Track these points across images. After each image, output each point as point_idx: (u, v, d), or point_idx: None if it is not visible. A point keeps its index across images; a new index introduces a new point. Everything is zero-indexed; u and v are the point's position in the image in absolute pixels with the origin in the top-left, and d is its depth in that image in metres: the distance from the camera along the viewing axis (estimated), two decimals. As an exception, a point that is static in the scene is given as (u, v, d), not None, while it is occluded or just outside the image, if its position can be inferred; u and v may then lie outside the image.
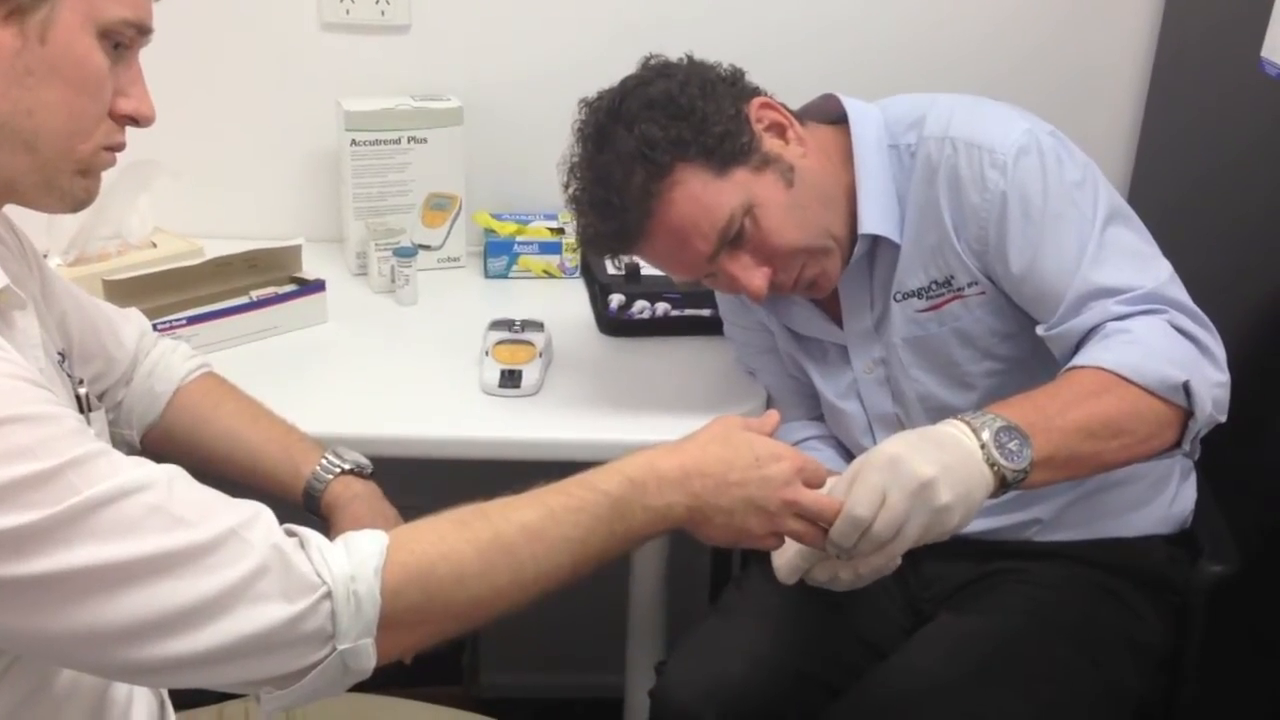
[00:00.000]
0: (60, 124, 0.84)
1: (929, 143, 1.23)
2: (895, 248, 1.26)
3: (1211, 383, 1.10)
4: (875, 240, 1.27)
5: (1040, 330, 1.19)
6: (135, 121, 0.89)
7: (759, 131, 1.22)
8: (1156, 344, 1.10)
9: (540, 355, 1.49)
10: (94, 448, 0.77)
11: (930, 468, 0.97)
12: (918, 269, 1.26)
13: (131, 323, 1.23)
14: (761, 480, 0.96)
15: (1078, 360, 1.11)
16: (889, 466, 0.98)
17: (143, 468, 0.79)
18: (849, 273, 1.29)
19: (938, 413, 1.23)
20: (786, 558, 1.08)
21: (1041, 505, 1.31)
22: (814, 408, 1.45)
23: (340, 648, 0.80)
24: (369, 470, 1.22)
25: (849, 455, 1.39)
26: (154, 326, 1.43)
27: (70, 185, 0.88)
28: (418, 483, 1.91)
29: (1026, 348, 1.25)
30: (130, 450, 1.23)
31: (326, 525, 1.20)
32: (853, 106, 1.29)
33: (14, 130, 0.83)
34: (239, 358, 1.49)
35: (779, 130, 1.24)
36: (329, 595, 0.80)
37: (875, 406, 1.35)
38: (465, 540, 0.86)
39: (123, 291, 1.44)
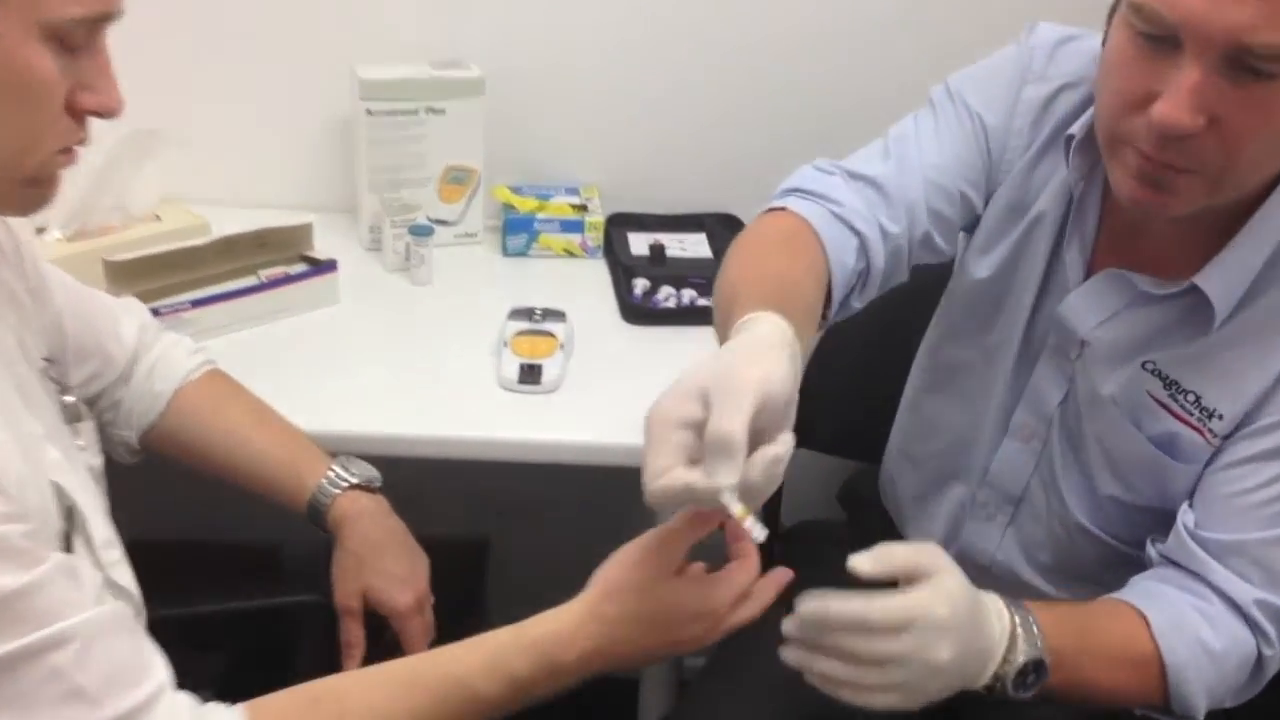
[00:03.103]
0: (3, 142, 0.76)
1: None
2: (1208, 314, 1.03)
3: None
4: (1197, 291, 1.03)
5: (1159, 549, 1.08)
6: (100, 115, 0.81)
7: None
8: (1226, 675, 1.03)
9: (561, 348, 1.42)
10: (25, 582, 0.72)
11: (947, 652, 0.88)
12: (1205, 366, 1.05)
13: (132, 315, 1.16)
14: (680, 642, 0.90)
15: (1163, 617, 1.01)
16: (928, 618, 0.88)
17: (72, 609, 0.74)
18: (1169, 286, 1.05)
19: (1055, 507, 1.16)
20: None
21: None
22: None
23: None
24: (378, 484, 1.16)
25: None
26: (156, 310, 1.37)
27: (20, 197, 0.81)
28: (431, 481, 1.86)
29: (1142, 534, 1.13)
30: (128, 451, 1.16)
31: (333, 540, 1.14)
32: None
33: None
34: (246, 342, 1.43)
35: None
36: None
37: (1035, 401, 1.16)
38: None
39: (125, 273, 1.37)
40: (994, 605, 0.95)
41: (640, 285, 1.60)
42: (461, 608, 1.93)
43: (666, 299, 1.58)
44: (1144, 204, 0.97)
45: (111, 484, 1.80)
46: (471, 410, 1.35)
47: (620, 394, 1.40)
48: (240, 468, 1.15)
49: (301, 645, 1.79)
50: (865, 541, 1.38)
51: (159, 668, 0.80)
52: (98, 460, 1.01)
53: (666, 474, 0.79)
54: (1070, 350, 1.13)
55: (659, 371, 1.47)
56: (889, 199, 1.11)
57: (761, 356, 0.82)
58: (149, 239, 1.49)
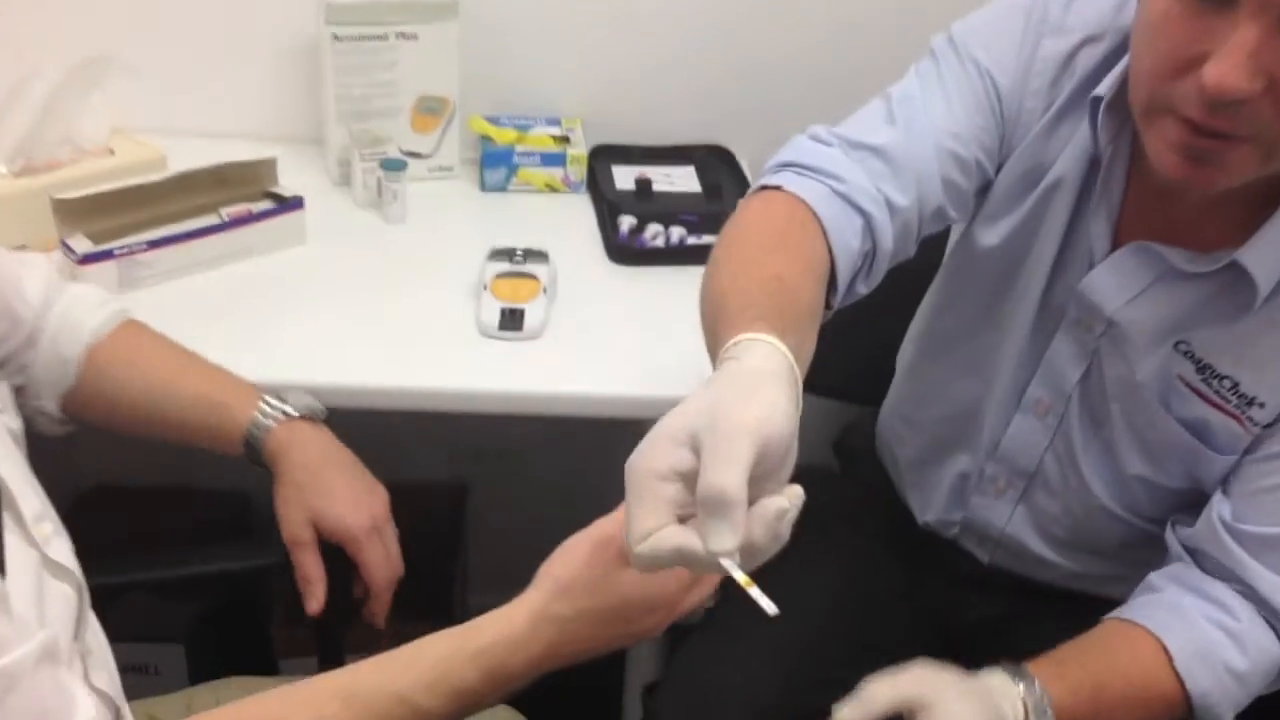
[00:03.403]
0: None
1: None
2: (1250, 293, 0.96)
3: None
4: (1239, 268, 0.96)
5: (1180, 534, 1.04)
6: None
7: None
8: (1253, 689, 0.99)
9: (544, 291, 1.34)
10: None
11: None
12: (1244, 350, 0.98)
13: (35, 270, 1.06)
14: (633, 635, 0.84)
15: (1185, 646, 0.98)
16: None
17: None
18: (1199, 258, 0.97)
19: (1079, 492, 1.10)
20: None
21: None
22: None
23: None
24: (322, 415, 1.09)
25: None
26: (110, 252, 1.28)
27: None
28: (409, 426, 1.78)
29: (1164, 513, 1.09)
30: (53, 422, 1.07)
31: (271, 477, 1.07)
32: None
33: None
34: (205, 286, 1.34)
35: None
36: None
37: (1052, 376, 1.09)
38: None
39: (75, 211, 1.28)
40: (1007, 701, 0.91)
41: (626, 223, 1.51)
42: (441, 554, 1.88)
43: (654, 237, 1.49)
44: (1186, 180, 0.89)
45: (80, 428, 1.73)
46: (449, 359, 1.27)
47: (607, 340, 1.33)
48: (170, 418, 1.06)
49: (271, 600, 1.73)
50: (859, 498, 1.34)
51: (83, 708, 0.72)
52: (16, 423, 0.93)
53: (655, 535, 0.69)
54: (1094, 326, 1.05)
55: (647, 315, 1.42)
56: (897, 170, 1.00)
57: (758, 392, 0.71)
58: (100, 175, 1.39)
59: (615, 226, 1.51)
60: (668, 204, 1.56)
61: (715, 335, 0.83)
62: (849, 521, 1.30)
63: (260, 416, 1.05)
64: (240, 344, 1.24)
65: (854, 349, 1.45)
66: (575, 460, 1.91)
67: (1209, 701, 0.97)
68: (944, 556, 1.24)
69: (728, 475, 0.66)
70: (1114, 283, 1.02)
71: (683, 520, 0.70)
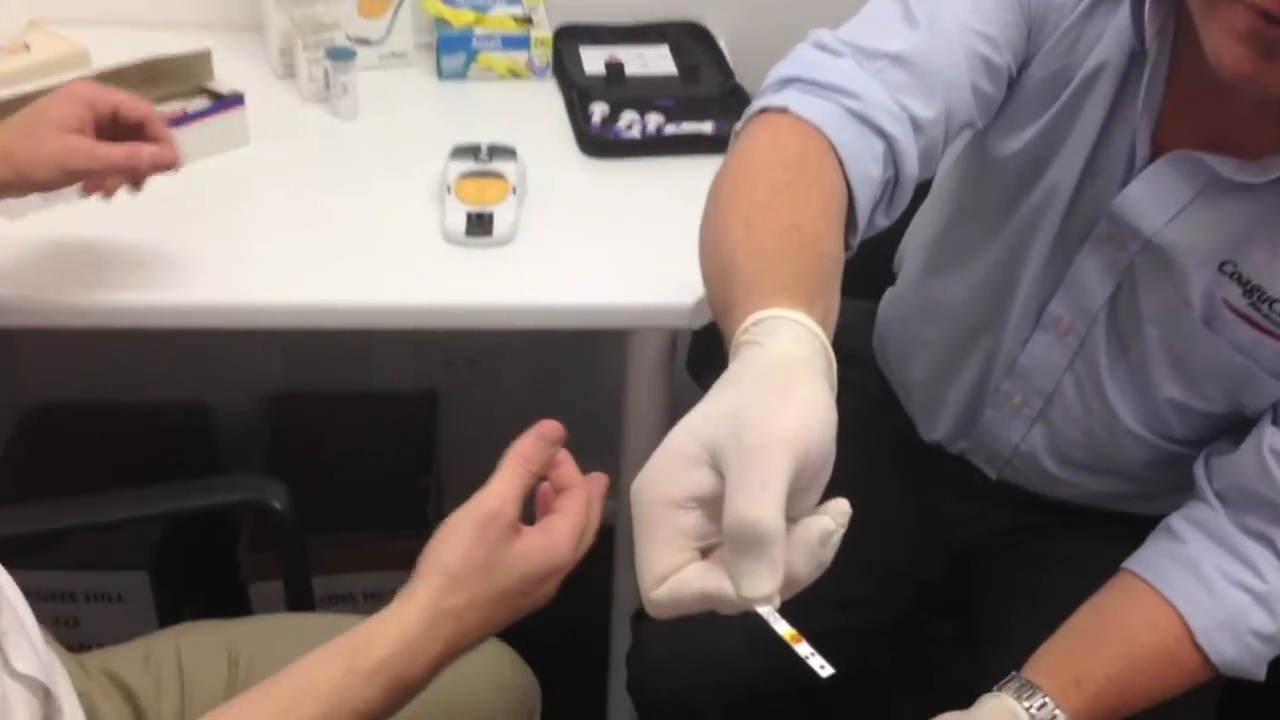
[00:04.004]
0: None
1: None
2: None
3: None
4: None
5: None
6: None
7: None
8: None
9: (513, 192, 1.23)
10: None
11: None
12: None
13: None
14: (530, 606, 0.75)
15: (1205, 617, 0.91)
16: None
17: None
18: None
19: (1105, 418, 1.02)
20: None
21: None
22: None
23: None
24: None
25: None
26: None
27: None
28: (375, 333, 1.68)
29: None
30: None
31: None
32: None
33: None
34: (141, 195, 1.21)
35: None
36: None
37: (1076, 294, 0.99)
38: None
39: (-14, 117, 1.15)
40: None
41: (598, 111, 1.39)
42: (412, 466, 1.80)
43: (629, 127, 1.38)
44: (1249, 78, 0.77)
45: (21, 345, 1.62)
46: (412, 270, 1.17)
47: (582, 243, 1.23)
48: None
49: (238, 524, 1.65)
50: (858, 409, 1.26)
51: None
52: None
53: (675, 579, 0.58)
54: (1127, 244, 0.94)
55: (625, 215, 1.31)
56: (920, 80, 0.86)
57: (791, 391, 0.59)
58: (16, 74, 1.27)
59: (586, 116, 1.39)
60: (642, 89, 1.45)
61: (726, 305, 0.71)
62: (850, 436, 1.22)
63: None
64: (181, 262, 1.13)
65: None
66: (550, 367, 1.82)
67: (1236, 667, 0.92)
68: (947, 470, 1.16)
69: (762, 506, 0.55)
70: (1152, 199, 0.91)
71: (705, 553, 0.59)
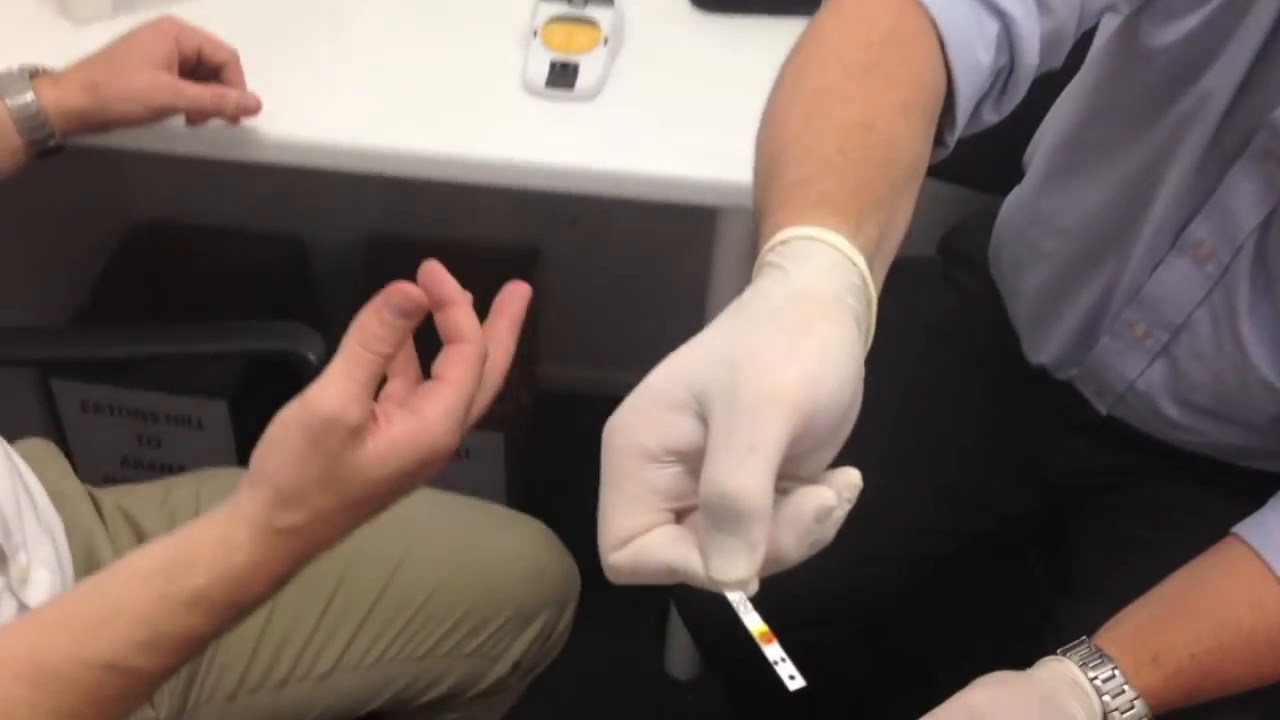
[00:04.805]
0: None
1: None
2: None
3: None
4: None
5: None
6: None
7: None
8: None
9: (605, 42, 1.11)
10: None
11: None
12: None
13: None
14: (409, 490, 0.62)
15: None
16: None
17: None
18: None
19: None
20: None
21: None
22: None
23: None
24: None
25: None
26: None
27: None
28: (471, 204, 1.59)
29: None
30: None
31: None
32: None
33: None
34: (205, 15, 1.13)
35: None
36: None
37: (1222, 215, 0.85)
38: None
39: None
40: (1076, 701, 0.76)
41: (720, -43, 1.25)
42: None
43: (753, -23, 1.24)
44: None
45: (128, 164, 1.61)
46: (482, 120, 1.08)
47: (675, 107, 1.11)
48: None
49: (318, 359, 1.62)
50: (960, 311, 1.14)
51: None
52: None
53: (638, 542, 0.50)
54: None
55: (729, 80, 1.16)
56: None
57: (805, 334, 0.49)
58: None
59: (706, -39, 1.26)
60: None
61: (762, 212, 0.59)
62: (944, 337, 1.10)
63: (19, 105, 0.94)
64: (274, 95, 1.06)
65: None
66: (653, 231, 1.73)
67: None
68: (1050, 398, 1.04)
69: (745, 474, 0.46)
70: None
71: (680, 518, 0.51)
